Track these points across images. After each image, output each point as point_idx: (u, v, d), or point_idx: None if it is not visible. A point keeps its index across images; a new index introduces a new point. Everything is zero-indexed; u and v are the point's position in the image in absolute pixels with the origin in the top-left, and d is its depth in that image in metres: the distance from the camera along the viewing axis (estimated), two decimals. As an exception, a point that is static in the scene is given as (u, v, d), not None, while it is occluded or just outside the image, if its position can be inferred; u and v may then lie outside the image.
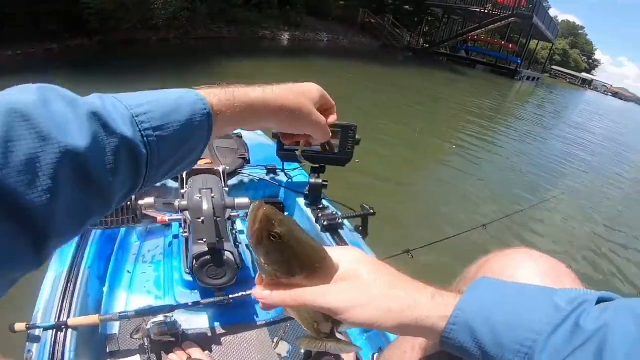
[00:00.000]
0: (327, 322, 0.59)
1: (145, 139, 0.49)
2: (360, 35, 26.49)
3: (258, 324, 1.43)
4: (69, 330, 1.16)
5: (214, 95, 0.58)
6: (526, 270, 0.69)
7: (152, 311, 1.27)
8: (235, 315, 1.43)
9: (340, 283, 0.56)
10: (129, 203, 1.41)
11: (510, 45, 27.16)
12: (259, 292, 0.56)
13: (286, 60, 15.85)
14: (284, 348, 1.38)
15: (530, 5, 23.48)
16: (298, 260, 0.53)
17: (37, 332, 1.15)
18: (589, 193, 6.58)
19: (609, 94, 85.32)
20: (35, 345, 1.13)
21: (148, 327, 1.23)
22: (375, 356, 1.28)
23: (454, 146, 7.16)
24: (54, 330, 1.15)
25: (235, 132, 2.24)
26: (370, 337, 1.45)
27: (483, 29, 24.17)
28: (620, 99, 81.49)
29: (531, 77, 26.74)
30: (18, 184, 0.36)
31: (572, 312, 0.49)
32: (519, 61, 25.19)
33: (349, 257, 0.59)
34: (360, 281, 0.56)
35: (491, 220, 1.93)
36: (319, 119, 0.72)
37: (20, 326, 1.14)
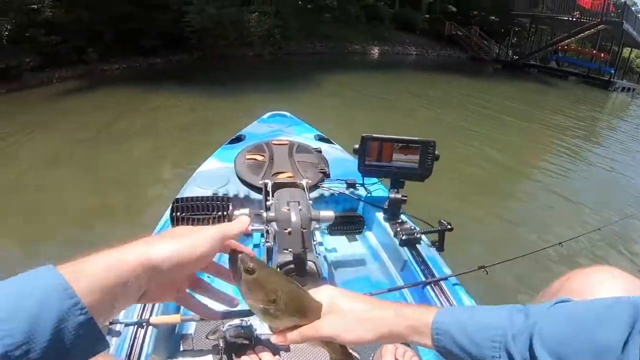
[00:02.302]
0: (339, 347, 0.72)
1: None
2: (447, 48, 25.92)
3: None
4: (149, 328, 1.23)
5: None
6: (607, 288, 0.71)
7: (231, 314, 1.33)
8: None
9: (327, 316, 0.70)
10: (226, 213, 1.50)
11: (602, 54, 25.09)
12: (277, 339, 0.71)
13: (377, 73, 15.99)
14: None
15: (620, 11, 21.64)
16: (276, 289, 0.64)
17: (118, 327, 1.21)
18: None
19: None
20: (114, 339, 1.19)
21: (224, 329, 1.28)
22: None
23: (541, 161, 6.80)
24: (135, 326, 1.22)
25: (315, 146, 2.30)
26: None
27: (572, 38, 22.73)
28: None
29: (626, 88, 24.38)
30: None
31: (522, 309, 0.62)
32: (612, 71, 23.38)
33: (327, 295, 0.72)
34: (340, 312, 0.70)
35: (568, 238, 1.85)
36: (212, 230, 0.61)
37: None
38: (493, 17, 27.69)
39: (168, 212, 1.56)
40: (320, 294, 0.73)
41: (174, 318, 1.27)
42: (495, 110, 10.54)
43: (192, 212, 1.50)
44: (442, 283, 1.49)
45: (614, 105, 17.06)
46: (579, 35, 22.26)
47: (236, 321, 1.29)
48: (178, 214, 1.48)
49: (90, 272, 0.46)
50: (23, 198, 4.55)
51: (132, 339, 1.19)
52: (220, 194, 1.80)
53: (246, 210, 1.49)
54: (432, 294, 1.45)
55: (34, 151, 6.06)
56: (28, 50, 10.96)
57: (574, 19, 21.89)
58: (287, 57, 17.94)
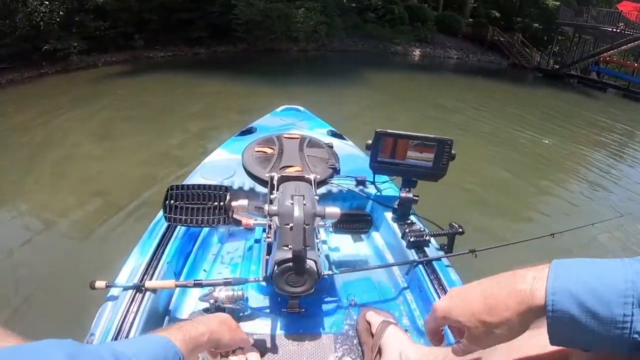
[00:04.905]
0: None
1: None
2: (489, 54, 24.92)
3: (322, 335, 1.29)
4: (146, 293, 1.19)
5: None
6: None
7: (225, 282, 1.25)
8: (303, 324, 1.31)
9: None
10: (222, 203, 1.41)
11: (643, 68, 23.87)
12: None
13: (418, 74, 15.77)
14: None
15: (665, 24, 20.51)
16: None
17: (116, 291, 1.19)
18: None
19: None
20: (110, 303, 1.17)
21: (217, 293, 1.24)
22: None
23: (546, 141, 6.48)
24: (133, 290, 1.18)
25: (327, 141, 2.18)
26: None
27: (615, 50, 21.73)
28: None
29: (666, 103, 23.04)
30: None
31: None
32: (652, 85, 22.09)
33: None
34: None
35: (561, 230, 1.71)
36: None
37: (100, 284, 1.17)
38: (537, 25, 26.62)
39: None
40: None
41: (169, 283, 1.25)
42: (529, 118, 10.08)
43: (186, 200, 1.41)
44: (434, 264, 1.40)
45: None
46: (621, 48, 21.15)
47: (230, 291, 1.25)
48: (172, 202, 1.39)
49: (189, 340, 0.80)
50: (76, 166, 4.80)
51: (130, 302, 1.16)
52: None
53: (245, 202, 1.39)
54: (424, 273, 1.36)
55: (83, 126, 6.28)
56: (76, 34, 11.25)
57: (618, 30, 20.84)
58: (330, 53, 17.91)
